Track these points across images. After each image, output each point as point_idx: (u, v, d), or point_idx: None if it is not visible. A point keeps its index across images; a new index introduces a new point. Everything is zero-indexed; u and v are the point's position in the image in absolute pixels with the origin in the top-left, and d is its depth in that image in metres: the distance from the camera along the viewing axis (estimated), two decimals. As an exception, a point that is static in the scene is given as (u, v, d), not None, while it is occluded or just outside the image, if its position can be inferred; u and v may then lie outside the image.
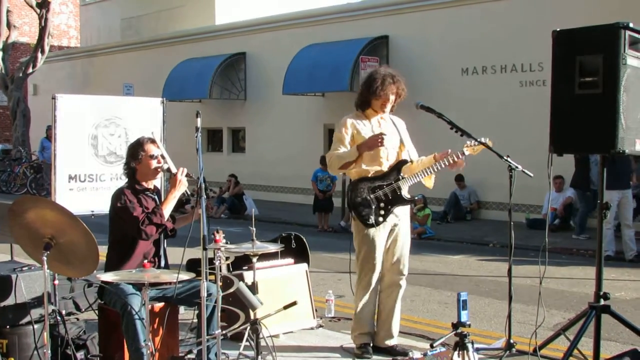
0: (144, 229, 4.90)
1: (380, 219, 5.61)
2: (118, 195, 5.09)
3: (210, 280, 4.73)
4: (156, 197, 5.32)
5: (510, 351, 5.66)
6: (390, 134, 5.70)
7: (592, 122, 5.24)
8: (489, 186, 15.33)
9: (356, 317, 5.79)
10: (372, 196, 5.59)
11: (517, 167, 5.63)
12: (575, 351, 5.31)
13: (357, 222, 5.67)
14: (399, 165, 5.73)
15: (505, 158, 5.63)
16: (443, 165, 5.69)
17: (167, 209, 5.07)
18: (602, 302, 5.42)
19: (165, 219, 5.02)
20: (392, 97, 5.66)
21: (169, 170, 5.18)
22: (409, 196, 5.75)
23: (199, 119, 4.47)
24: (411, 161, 5.81)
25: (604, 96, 5.10)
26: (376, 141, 5.48)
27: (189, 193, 5.15)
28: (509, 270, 5.70)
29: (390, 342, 5.84)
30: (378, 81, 5.58)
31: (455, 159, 5.66)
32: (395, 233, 5.74)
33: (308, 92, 18.76)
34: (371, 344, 5.81)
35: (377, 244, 5.63)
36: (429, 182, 5.83)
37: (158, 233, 5.00)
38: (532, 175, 5.67)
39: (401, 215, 5.78)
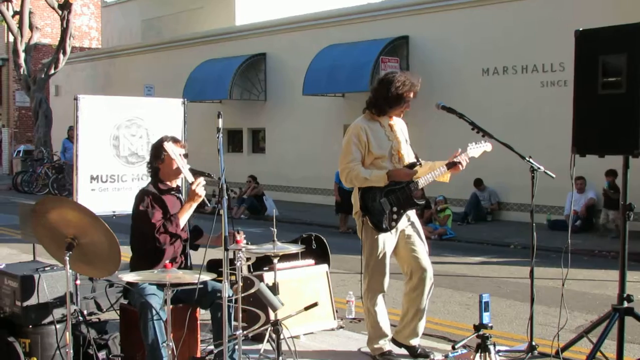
0: (158, 236, 4.92)
1: (393, 223, 5.54)
2: (141, 197, 5.13)
3: (231, 281, 4.74)
4: (181, 195, 5.35)
5: (532, 354, 5.62)
6: (400, 136, 5.67)
7: (615, 123, 5.19)
8: (509, 187, 15.24)
9: (373, 323, 5.66)
10: (385, 200, 5.52)
11: (539, 168, 5.58)
12: (598, 354, 5.26)
13: (368, 226, 5.57)
14: (410, 167, 5.66)
15: (528, 159, 5.58)
16: (445, 170, 5.66)
17: (183, 219, 5.09)
18: (626, 304, 5.37)
19: (181, 228, 5.04)
20: None
21: (191, 170, 5.18)
22: (420, 200, 5.68)
23: (220, 120, 4.47)
24: (420, 164, 5.73)
25: (628, 96, 5.05)
26: (409, 176, 5.49)
27: (206, 200, 5.16)
28: (531, 272, 5.65)
29: (413, 342, 5.78)
30: (406, 90, 5.46)
31: (465, 161, 5.61)
32: (411, 234, 5.68)
33: (328, 93, 18.75)
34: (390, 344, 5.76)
35: (388, 249, 5.57)
36: (444, 178, 5.76)
37: (171, 242, 5.01)
38: (554, 176, 5.63)
39: (411, 216, 5.73)
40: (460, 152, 5.64)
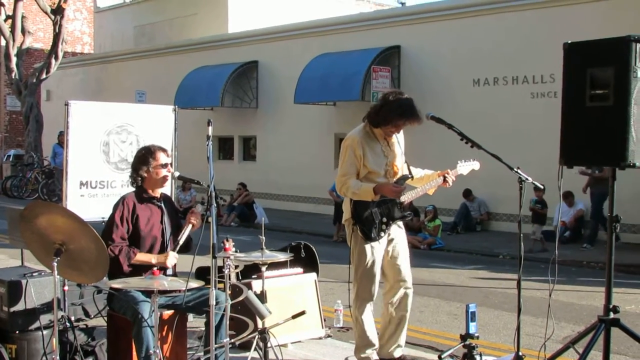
0: (109, 250, 4.80)
1: (382, 233, 5.58)
2: (117, 203, 5.16)
3: (219, 289, 4.74)
4: (163, 205, 5.32)
5: (519, 364, 5.62)
6: (397, 151, 5.71)
7: (603, 135, 5.22)
8: (499, 198, 15.29)
9: (361, 332, 5.66)
10: (376, 210, 5.54)
11: (527, 179, 5.60)
12: (584, 365, 5.28)
13: (358, 235, 5.59)
14: (400, 180, 5.70)
15: (516, 170, 5.61)
16: (436, 184, 5.75)
17: (139, 259, 5.04)
18: (612, 315, 5.39)
19: (126, 265, 4.97)
20: None
21: (181, 178, 5.18)
22: (407, 211, 5.75)
23: (210, 128, 4.49)
24: (412, 177, 5.77)
25: (615, 109, 5.08)
26: (394, 193, 5.50)
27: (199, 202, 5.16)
28: (519, 282, 5.67)
29: (397, 354, 5.81)
30: (404, 116, 5.48)
31: (452, 179, 5.70)
32: (394, 244, 5.71)
33: (319, 102, 18.79)
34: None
35: (377, 257, 5.59)
36: (430, 191, 5.85)
37: (112, 261, 4.86)
38: (542, 187, 5.66)
39: (398, 228, 5.77)
40: (449, 171, 5.73)
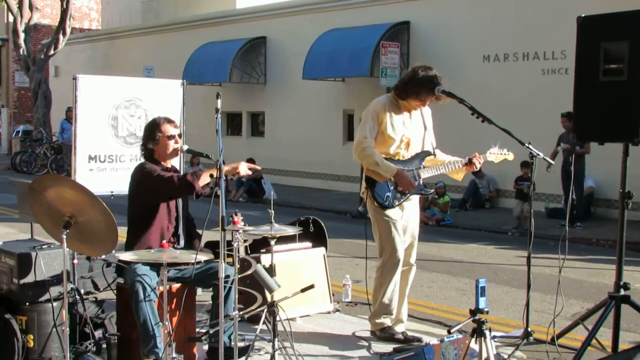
0: (176, 180, 4.85)
1: (396, 201, 5.62)
2: (140, 168, 5.12)
3: (227, 262, 4.73)
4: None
5: (528, 340, 5.63)
6: (417, 125, 5.71)
7: (616, 110, 5.17)
8: (508, 175, 15.21)
9: (382, 299, 5.71)
10: (392, 179, 5.57)
11: (538, 155, 5.57)
12: (594, 341, 5.27)
13: (373, 203, 5.66)
14: (421, 155, 5.73)
15: (527, 145, 5.57)
16: (460, 166, 5.83)
17: (202, 181, 4.93)
18: (622, 292, 5.38)
19: (197, 182, 4.88)
20: None
21: (189, 151, 5.15)
22: (425, 188, 5.76)
23: (219, 101, 4.45)
24: (434, 154, 5.80)
25: (629, 83, 5.03)
26: (408, 186, 5.54)
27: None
28: (528, 259, 5.66)
29: (399, 329, 5.84)
30: (431, 92, 5.53)
31: (480, 163, 5.71)
32: (406, 220, 5.73)
33: (328, 77, 18.69)
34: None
35: (396, 223, 5.64)
36: (457, 176, 5.89)
37: (188, 190, 4.91)
38: (553, 162, 5.65)
39: (413, 205, 5.78)
40: (478, 154, 5.73)
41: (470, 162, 5.77)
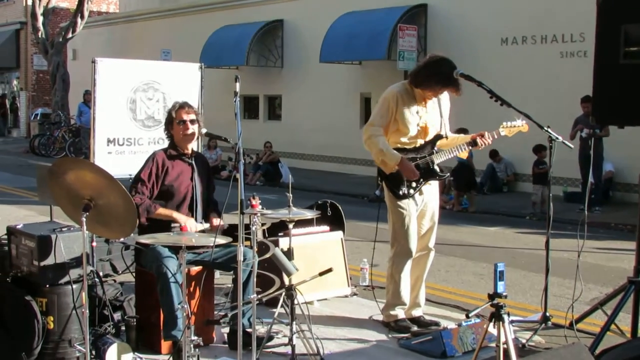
0: (133, 196, 4.91)
1: (412, 191, 5.57)
2: (147, 159, 5.30)
3: (246, 246, 4.75)
4: (194, 162, 5.34)
5: (546, 324, 5.61)
6: (433, 113, 5.66)
7: (636, 93, 5.12)
8: (526, 159, 15.12)
9: (395, 290, 5.70)
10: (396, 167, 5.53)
11: (557, 138, 5.53)
12: (613, 326, 5.25)
13: (389, 193, 5.64)
14: (434, 139, 5.68)
15: (546, 129, 5.53)
16: (465, 148, 5.73)
17: (160, 214, 5.12)
18: (642, 276, 5.34)
19: (144, 217, 5.05)
20: None
21: (208, 135, 5.19)
22: (440, 171, 5.71)
23: (237, 84, 4.43)
24: (446, 137, 5.75)
25: (650, 66, 4.97)
26: (411, 174, 5.49)
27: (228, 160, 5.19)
28: (547, 243, 5.63)
29: (416, 313, 5.83)
30: (441, 83, 5.49)
31: (491, 138, 5.64)
32: (424, 204, 5.70)
33: (345, 61, 18.62)
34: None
35: (411, 214, 5.59)
36: (463, 154, 5.83)
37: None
38: (572, 146, 5.59)
39: (432, 189, 5.74)
40: (487, 133, 5.67)
41: (474, 144, 5.68)
